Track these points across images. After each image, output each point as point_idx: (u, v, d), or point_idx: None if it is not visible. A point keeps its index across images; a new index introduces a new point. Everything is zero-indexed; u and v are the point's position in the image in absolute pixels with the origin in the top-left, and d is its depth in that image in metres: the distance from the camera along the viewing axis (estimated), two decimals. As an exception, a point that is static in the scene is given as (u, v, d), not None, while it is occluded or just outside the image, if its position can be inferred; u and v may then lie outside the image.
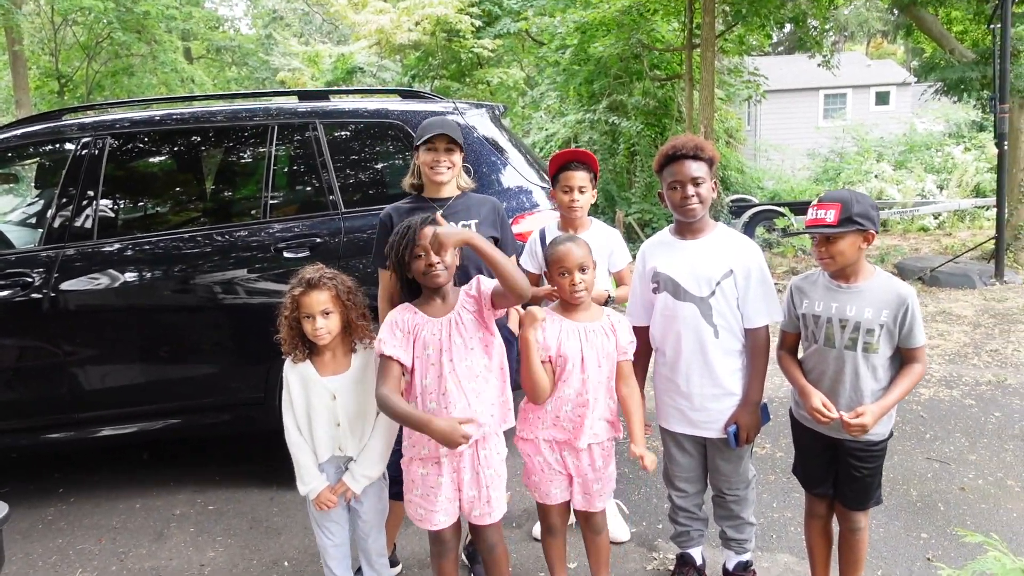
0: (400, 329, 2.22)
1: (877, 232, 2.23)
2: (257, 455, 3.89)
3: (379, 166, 3.80)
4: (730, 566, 2.67)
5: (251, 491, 3.63)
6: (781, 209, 11.42)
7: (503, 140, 3.81)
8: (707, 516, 2.71)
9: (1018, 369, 4.97)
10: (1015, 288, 7.34)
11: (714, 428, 2.48)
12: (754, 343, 2.45)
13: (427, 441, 2.22)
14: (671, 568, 2.80)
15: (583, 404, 2.31)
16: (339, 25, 25.97)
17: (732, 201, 12.15)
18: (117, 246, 3.42)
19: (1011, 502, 3.24)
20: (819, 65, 12.45)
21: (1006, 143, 7.56)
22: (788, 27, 13.70)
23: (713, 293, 2.40)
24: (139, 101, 4.53)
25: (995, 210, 12.07)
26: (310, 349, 2.35)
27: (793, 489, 3.40)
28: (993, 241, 7.92)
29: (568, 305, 2.36)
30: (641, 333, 2.56)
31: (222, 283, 3.40)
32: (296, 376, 2.34)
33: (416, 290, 2.28)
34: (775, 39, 21.22)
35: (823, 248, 2.21)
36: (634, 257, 2.71)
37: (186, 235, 3.47)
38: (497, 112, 3.96)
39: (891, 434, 2.34)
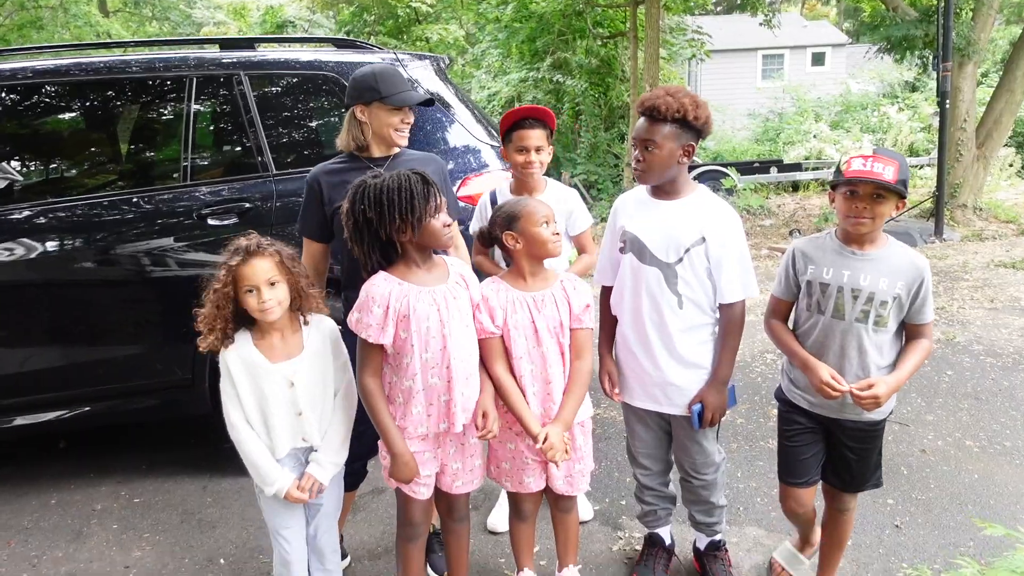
0: (379, 305, 1.95)
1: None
2: (186, 441, 3.59)
3: (313, 123, 3.47)
4: (701, 546, 2.53)
5: (182, 480, 3.33)
6: (726, 170, 11.42)
7: (449, 94, 3.53)
8: (675, 494, 2.55)
9: (965, 327, 5.02)
10: (954, 246, 7.48)
11: (677, 405, 2.28)
12: (728, 319, 2.25)
13: (425, 419, 2.03)
14: (638, 548, 2.66)
15: (547, 381, 2.11)
16: (268, -23, 24.63)
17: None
18: (18, 214, 3.02)
19: (971, 463, 3.22)
20: (760, 24, 12.42)
21: (947, 101, 7.63)
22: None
23: (680, 260, 2.18)
24: (41, 48, 4.02)
25: (929, 168, 12.41)
26: (250, 331, 2.05)
27: (758, 457, 3.31)
28: (932, 199, 8.05)
29: (518, 273, 2.13)
30: (609, 294, 2.39)
31: (139, 254, 3.05)
32: (239, 363, 2.01)
33: (388, 257, 2.00)
34: (715, -2, 21.14)
35: (867, 206, 1.98)
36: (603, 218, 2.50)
37: (97, 201, 3.09)
38: (442, 64, 3.67)
39: (891, 413, 2.20)
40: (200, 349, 2.01)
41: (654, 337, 2.25)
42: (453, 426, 2.03)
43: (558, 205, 2.51)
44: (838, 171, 2.03)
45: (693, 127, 2.14)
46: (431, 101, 2.51)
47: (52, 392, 3.11)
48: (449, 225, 2.02)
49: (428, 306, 1.97)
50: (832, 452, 2.22)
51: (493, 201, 2.70)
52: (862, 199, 1.98)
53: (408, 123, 2.40)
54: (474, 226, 2.71)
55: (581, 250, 2.74)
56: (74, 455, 3.63)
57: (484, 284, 2.14)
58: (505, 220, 2.10)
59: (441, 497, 2.21)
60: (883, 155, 1.97)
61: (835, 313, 2.06)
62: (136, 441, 3.72)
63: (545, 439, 2.02)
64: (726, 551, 2.53)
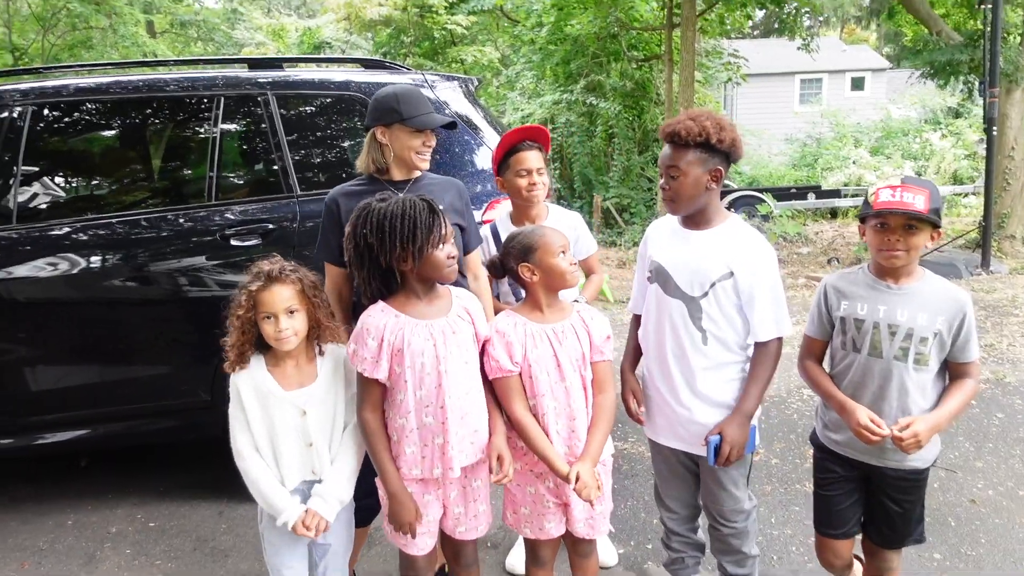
0: (374, 338, 1.87)
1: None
2: (205, 464, 3.53)
3: (340, 144, 3.42)
4: None
5: (197, 505, 3.27)
6: (762, 195, 11.21)
7: (477, 116, 3.46)
8: (704, 541, 2.39)
9: (1015, 366, 4.77)
10: (1002, 278, 7.19)
11: (700, 447, 2.13)
12: (761, 354, 2.09)
13: (420, 460, 1.92)
14: (665, 597, 2.51)
15: (572, 417, 1.99)
16: (308, -1, 25.17)
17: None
18: (43, 232, 3.01)
19: (1025, 515, 3.01)
20: (799, 48, 12.23)
21: (995, 128, 7.37)
22: (764, 11, 13.43)
23: (705, 294, 2.06)
24: (71, 67, 4.07)
25: (974, 197, 12.04)
26: (264, 356, 1.98)
27: (793, 501, 3.14)
28: (978, 229, 7.77)
29: (534, 305, 2.02)
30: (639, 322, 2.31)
31: (161, 275, 3.02)
32: (250, 388, 1.94)
33: (389, 286, 1.92)
34: (752, 21, 20.99)
35: (899, 238, 1.87)
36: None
37: (120, 220, 3.07)
38: (471, 86, 3.60)
39: (935, 462, 2.05)
40: (228, 371, 1.96)
41: (676, 373, 2.13)
42: (450, 470, 1.91)
43: (565, 231, 2.42)
44: (866, 203, 1.93)
45: (719, 151, 2.02)
46: (454, 124, 2.44)
47: (77, 411, 3.07)
48: (453, 257, 1.92)
49: (423, 340, 1.87)
50: (872, 502, 2.08)
51: (494, 232, 2.62)
52: (894, 231, 1.88)
53: (430, 146, 2.33)
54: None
55: (589, 272, 2.69)
56: (96, 474, 3.60)
57: (499, 318, 2.04)
58: (520, 251, 2.00)
59: (447, 542, 2.10)
60: (912, 184, 1.87)
61: (872, 351, 1.94)
62: (157, 462, 3.68)
63: (577, 478, 1.89)
64: None
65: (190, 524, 3.13)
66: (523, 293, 2.15)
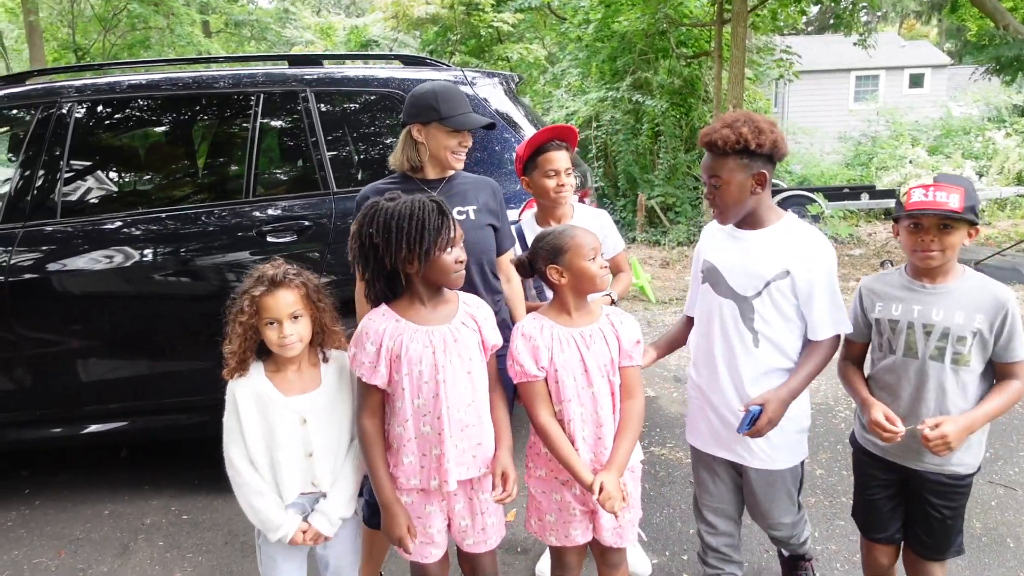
0: (372, 342, 1.82)
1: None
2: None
3: (377, 141, 3.40)
4: (786, 553, 2.44)
5: (231, 499, 3.15)
6: (812, 195, 10.89)
7: (518, 114, 3.41)
8: (742, 560, 2.31)
9: (1083, 377, 4.50)
10: (1069, 285, 6.81)
11: (744, 454, 2.09)
12: (816, 346, 2.03)
13: (418, 470, 1.86)
14: (699, 612, 2.42)
15: (599, 424, 1.92)
16: (357, -1, 25.46)
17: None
18: (85, 226, 3.06)
19: (1092, 539, 2.82)
20: (855, 44, 11.85)
21: (1065, 127, 6.99)
22: (819, 6, 13.04)
23: (759, 294, 2.01)
24: (111, 64, 4.14)
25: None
26: (263, 361, 1.93)
27: (838, 515, 3.00)
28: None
29: (561, 307, 1.95)
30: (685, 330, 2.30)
31: (199, 270, 3.04)
32: (248, 394, 1.87)
33: (393, 288, 1.87)
34: (807, 17, 20.42)
35: (934, 238, 1.83)
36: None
37: (158, 216, 3.10)
38: (512, 83, 3.55)
39: (979, 468, 1.94)
40: (227, 378, 1.91)
41: (724, 376, 2.08)
42: (446, 483, 1.84)
43: (593, 230, 2.36)
44: (899, 203, 1.90)
45: (760, 155, 1.97)
46: (493, 125, 2.37)
47: (101, 404, 3.11)
48: (462, 262, 1.85)
49: (422, 347, 1.81)
50: (911, 507, 2.00)
51: (519, 233, 2.56)
52: (927, 231, 1.85)
53: (466, 146, 2.27)
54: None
55: (617, 270, 2.65)
56: (133, 465, 3.65)
57: (525, 321, 1.97)
58: (550, 252, 1.92)
59: (463, 556, 2.04)
60: (945, 182, 1.83)
61: (907, 351, 1.91)
62: (191, 455, 3.72)
63: (601, 488, 1.81)
64: (813, 561, 2.44)
65: (222, 518, 3.15)
66: (548, 293, 2.10)
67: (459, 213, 2.21)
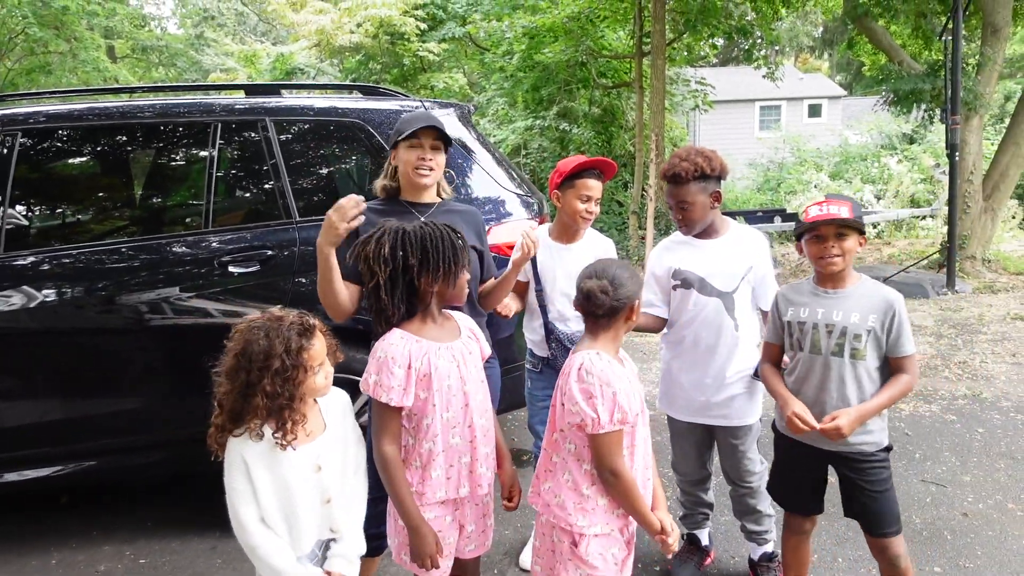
0: (400, 365, 1.83)
1: None
2: (194, 496, 3.43)
3: (338, 169, 3.41)
4: (755, 557, 2.75)
5: (190, 540, 3.17)
6: (735, 218, 11.41)
7: (472, 142, 3.49)
8: (712, 501, 2.82)
9: (990, 382, 4.92)
10: (967, 298, 7.42)
11: (724, 416, 2.54)
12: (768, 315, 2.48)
13: (445, 482, 1.91)
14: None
15: (646, 466, 1.95)
16: (276, 25, 25.12)
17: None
18: (31, 259, 2.93)
19: (1016, 527, 3.09)
20: (764, 77, 12.60)
21: (957, 154, 7.66)
22: (724, 41, 13.77)
23: (737, 288, 2.48)
24: (66, 92, 3.99)
25: (931, 219, 12.45)
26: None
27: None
28: (941, 251, 8.01)
29: (615, 352, 1.91)
30: (657, 323, 2.61)
31: (156, 303, 2.95)
32: (256, 456, 1.74)
33: (411, 310, 1.91)
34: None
35: (833, 244, 2.13)
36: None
37: (113, 247, 3.00)
38: (466, 112, 3.64)
39: (890, 447, 2.22)
40: (216, 449, 1.77)
41: (716, 359, 2.50)
42: (479, 487, 1.93)
43: (597, 254, 2.53)
44: (799, 222, 2.21)
45: (712, 177, 2.46)
46: (433, 130, 2.31)
47: (48, 447, 2.96)
48: (469, 281, 2.02)
49: (448, 363, 1.89)
50: (843, 485, 2.26)
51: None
52: (827, 239, 2.14)
53: (425, 161, 2.30)
54: None
55: None
56: (77, 511, 3.47)
57: (604, 366, 1.80)
58: (629, 296, 1.87)
59: (455, 564, 2.06)
60: (835, 199, 2.16)
61: (812, 348, 2.19)
62: (142, 497, 3.56)
63: (662, 528, 1.86)
64: (779, 563, 2.68)
65: (183, 560, 3.03)
66: (563, 330, 2.54)
67: None
